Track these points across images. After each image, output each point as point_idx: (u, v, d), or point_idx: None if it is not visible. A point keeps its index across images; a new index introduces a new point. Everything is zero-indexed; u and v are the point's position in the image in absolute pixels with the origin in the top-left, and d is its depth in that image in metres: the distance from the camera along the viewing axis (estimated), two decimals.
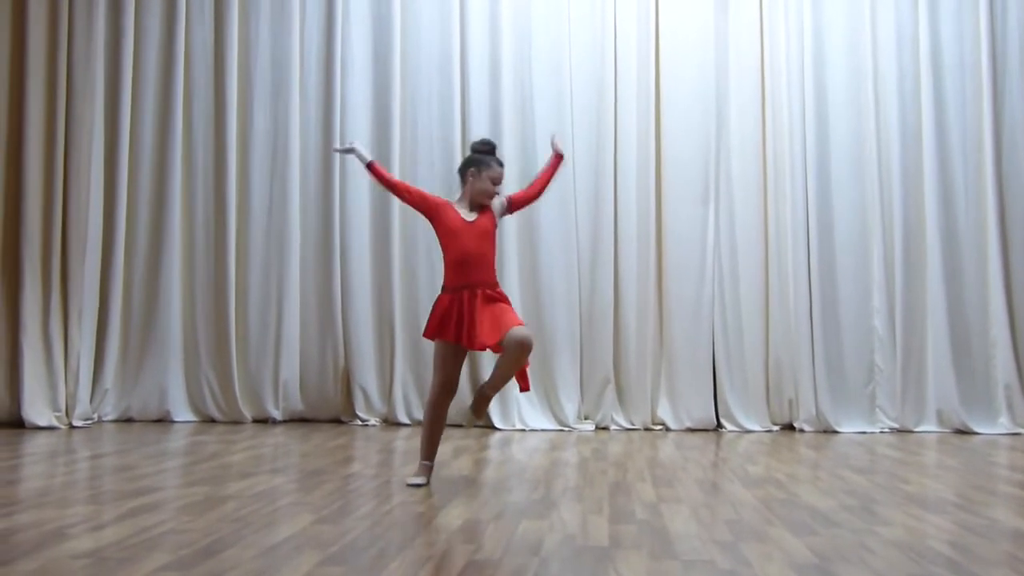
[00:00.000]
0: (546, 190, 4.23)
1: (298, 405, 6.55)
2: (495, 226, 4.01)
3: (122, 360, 6.49)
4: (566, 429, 6.36)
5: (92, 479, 4.22)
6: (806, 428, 6.35)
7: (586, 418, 6.50)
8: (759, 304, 6.52)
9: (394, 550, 2.79)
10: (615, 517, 3.30)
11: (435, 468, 4.04)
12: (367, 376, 6.53)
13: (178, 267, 6.56)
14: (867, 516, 3.37)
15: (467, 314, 3.81)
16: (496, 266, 4.07)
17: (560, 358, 6.45)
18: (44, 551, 2.69)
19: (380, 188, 6.61)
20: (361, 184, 6.63)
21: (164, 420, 6.44)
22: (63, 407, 6.01)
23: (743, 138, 6.60)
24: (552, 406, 6.46)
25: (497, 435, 6.00)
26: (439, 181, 6.58)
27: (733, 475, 4.41)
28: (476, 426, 6.30)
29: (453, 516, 3.30)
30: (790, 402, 6.44)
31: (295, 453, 5.10)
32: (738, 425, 6.39)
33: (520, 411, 6.38)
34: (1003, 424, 6.29)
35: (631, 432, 6.30)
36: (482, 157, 4.01)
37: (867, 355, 6.47)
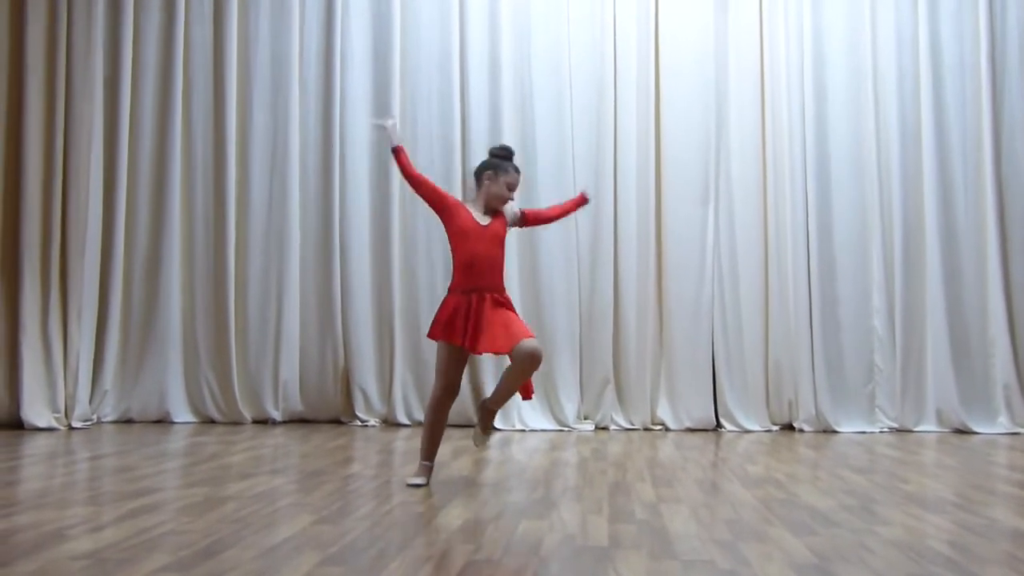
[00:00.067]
0: (559, 220, 4.31)
1: (298, 406, 6.55)
2: (506, 232, 4.02)
3: (121, 361, 6.49)
4: (566, 429, 6.36)
5: (91, 480, 4.22)
6: (806, 428, 6.36)
7: (586, 418, 6.50)
8: (759, 304, 6.52)
9: (394, 550, 2.79)
10: (615, 517, 3.30)
11: (435, 468, 4.04)
12: (367, 377, 6.53)
13: (177, 266, 6.56)
14: (866, 516, 3.37)
15: (474, 318, 3.81)
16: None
17: (560, 358, 6.45)
18: (43, 552, 2.69)
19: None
20: (361, 183, 6.63)
21: (164, 421, 6.44)
22: (62, 408, 6.00)
23: (743, 138, 6.60)
24: (552, 406, 6.46)
25: (497, 435, 6.00)
26: (438, 180, 6.50)
27: (733, 475, 4.41)
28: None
29: (453, 516, 3.30)
30: (790, 402, 6.44)
31: (295, 454, 5.09)
32: (738, 425, 6.39)
33: (520, 411, 6.39)
34: (1002, 424, 6.30)
35: (631, 432, 6.30)
36: (500, 162, 4.01)
37: (867, 355, 6.47)
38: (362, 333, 6.55)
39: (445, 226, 4.00)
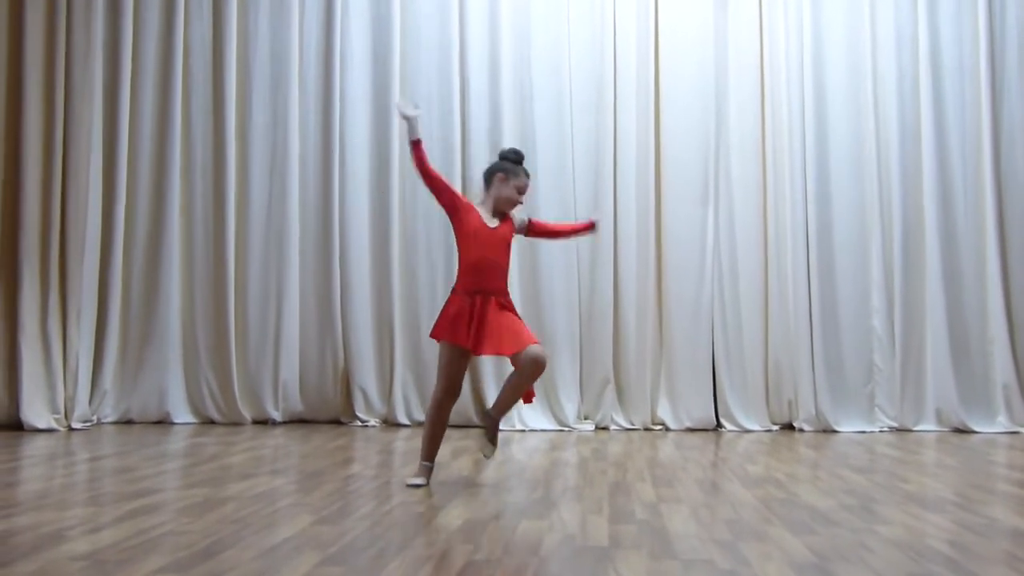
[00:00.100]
0: (565, 239, 4.30)
1: (298, 406, 6.55)
2: (512, 237, 4.02)
3: (121, 361, 6.49)
4: (566, 429, 6.36)
5: (91, 481, 4.22)
6: (805, 428, 6.36)
7: (586, 418, 6.50)
8: (759, 304, 6.52)
9: (393, 550, 2.79)
10: (615, 517, 3.30)
11: (435, 469, 4.04)
12: (367, 377, 6.53)
13: (177, 267, 6.56)
14: (866, 515, 3.37)
15: (478, 320, 3.80)
16: None
17: (560, 358, 6.45)
18: (42, 553, 2.69)
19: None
20: (361, 183, 6.63)
21: (164, 422, 6.43)
22: (62, 409, 6.00)
23: (742, 137, 6.60)
24: (552, 406, 6.46)
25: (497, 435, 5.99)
26: None
27: (733, 475, 4.41)
28: (478, 425, 6.31)
29: (453, 516, 3.30)
30: (789, 402, 6.44)
31: (295, 454, 5.09)
32: (738, 425, 6.39)
33: (520, 411, 6.38)
34: (1001, 423, 6.30)
35: (631, 432, 6.30)
36: (511, 165, 4.00)
37: (866, 355, 6.47)
38: (362, 333, 6.55)
39: (454, 226, 3.98)
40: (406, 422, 6.44)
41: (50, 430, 5.86)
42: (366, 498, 3.66)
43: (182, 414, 6.48)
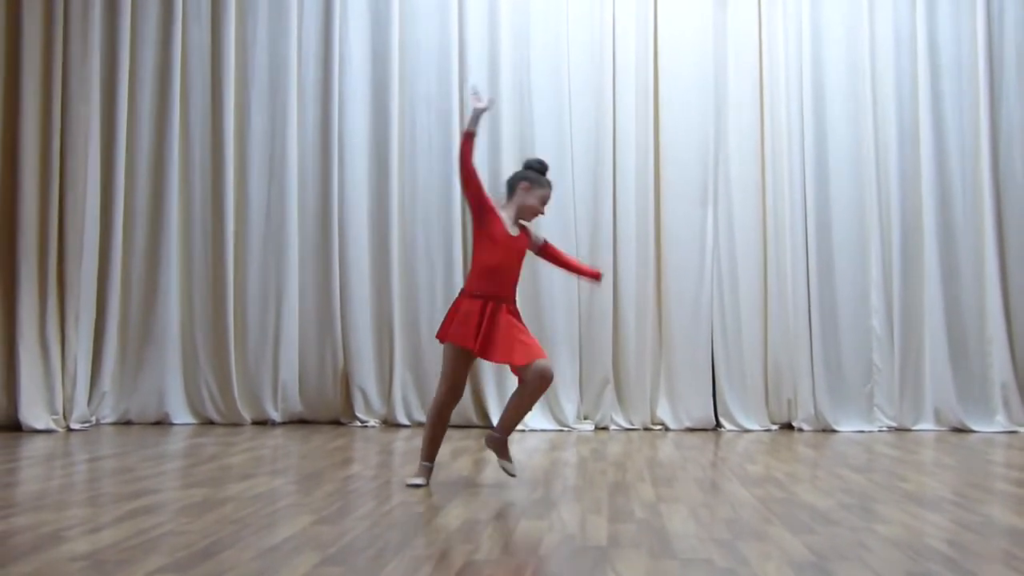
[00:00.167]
0: (568, 272, 4.29)
1: (297, 407, 6.55)
2: (527, 251, 4.02)
3: (120, 362, 6.48)
4: (565, 429, 6.37)
5: (90, 481, 4.22)
6: (805, 427, 6.36)
7: (585, 418, 6.50)
8: (758, 304, 6.53)
9: (393, 550, 2.79)
10: (614, 517, 3.31)
11: (435, 469, 4.04)
12: (366, 377, 6.53)
13: (176, 268, 6.55)
14: (865, 514, 3.38)
15: (488, 325, 3.79)
16: None
17: (559, 358, 6.43)
18: (41, 553, 2.69)
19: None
20: (360, 184, 6.63)
21: (163, 423, 6.43)
22: (60, 410, 5.99)
23: (741, 137, 6.61)
24: (551, 406, 6.46)
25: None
26: (437, 181, 6.60)
27: (732, 474, 4.41)
28: (478, 425, 6.32)
29: (452, 516, 3.30)
30: (789, 401, 6.45)
31: (294, 455, 5.09)
32: (737, 425, 6.40)
33: None
34: (999, 422, 6.31)
35: (630, 432, 6.31)
36: (536, 175, 4.00)
37: (865, 354, 6.48)
38: (361, 333, 6.54)
39: (477, 226, 3.94)
40: (406, 422, 6.44)
41: (48, 431, 5.85)
42: (365, 498, 3.66)
43: (181, 415, 6.48)
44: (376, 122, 6.64)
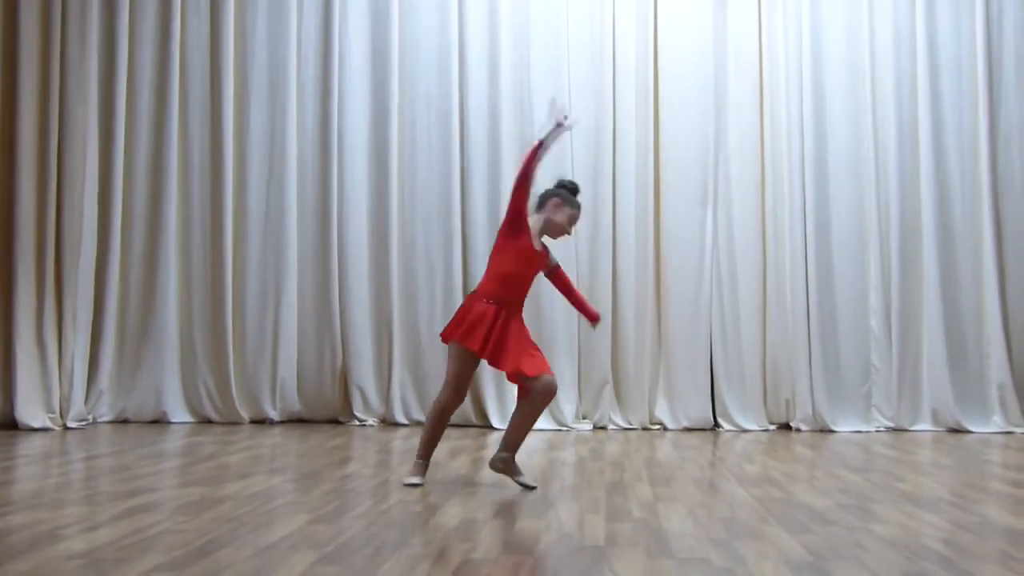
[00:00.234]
0: (569, 302, 4.24)
1: (295, 406, 6.54)
2: (540, 270, 4.01)
3: (118, 361, 6.47)
4: (564, 429, 6.36)
5: (86, 480, 4.22)
6: (803, 427, 6.37)
7: (584, 418, 6.50)
8: (757, 304, 6.53)
9: (390, 549, 2.79)
10: (612, 516, 3.31)
11: (432, 468, 4.04)
12: (365, 376, 6.52)
13: (174, 267, 6.54)
14: (862, 514, 3.38)
15: (499, 332, 3.79)
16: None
17: (558, 358, 6.43)
18: (37, 552, 2.69)
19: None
20: (359, 184, 6.62)
21: (160, 421, 6.42)
22: (57, 409, 5.99)
23: (741, 138, 6.61)
24: (550, 406, 6.42)
25: (495, 435, 5.99)
26: (439, 181, 6.59)
27: (730, 474, 4.42)
28: (476, 425, 6.32)
29: (450, 515, 3.30)
30: (787, 402, 6.45)
31: (292, 453, 5.09)
32: (735, 425, 6.40)
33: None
34: (996, 423, 6.32)
35: (629, 432, 6.31)
36: (567, 194, 3.99)
37: (863, 355, 6.48)
38: (360, 332, 6.54)
39: (505, 234, 3.89)
40: (404, 421, 6.44)
41: (45, 429, 5.84)
42: (363, 497, 3.66)
43: (179, 413, 6.47)
44: (376, 121, 6.63)
